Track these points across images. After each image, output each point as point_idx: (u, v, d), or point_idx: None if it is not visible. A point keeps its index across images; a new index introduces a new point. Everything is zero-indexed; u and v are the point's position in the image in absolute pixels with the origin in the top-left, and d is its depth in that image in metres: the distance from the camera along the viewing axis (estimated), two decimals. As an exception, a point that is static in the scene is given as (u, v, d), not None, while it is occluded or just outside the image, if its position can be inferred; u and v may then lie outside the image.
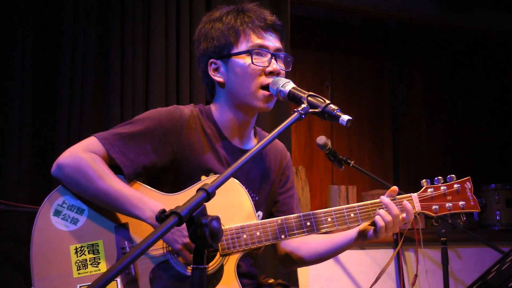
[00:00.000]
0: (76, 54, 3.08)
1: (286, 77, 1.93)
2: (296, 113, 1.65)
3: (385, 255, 3.98)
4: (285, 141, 3.60)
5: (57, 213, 1.82)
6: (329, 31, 4.76)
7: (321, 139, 3.11)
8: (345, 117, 1.63)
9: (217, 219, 1.32)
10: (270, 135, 1.57)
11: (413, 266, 4.04)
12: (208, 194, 1.32)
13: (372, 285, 2.07)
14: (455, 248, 4.24)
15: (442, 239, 3.32)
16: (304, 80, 4.56)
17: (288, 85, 1.82)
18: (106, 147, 1.84)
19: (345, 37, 4.81)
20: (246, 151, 1.98)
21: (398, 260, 3.98)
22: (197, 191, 1.32)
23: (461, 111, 5.16)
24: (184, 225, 1.69)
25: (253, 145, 2.06)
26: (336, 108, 1.66)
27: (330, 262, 3.87)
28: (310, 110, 1.67)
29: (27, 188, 2.94)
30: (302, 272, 3.69)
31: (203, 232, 1.29)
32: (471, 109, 5.20)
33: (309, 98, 1.70)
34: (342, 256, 3.90)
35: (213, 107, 2.03)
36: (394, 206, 1.85)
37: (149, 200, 1.78)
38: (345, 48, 4.81)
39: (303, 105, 1.67)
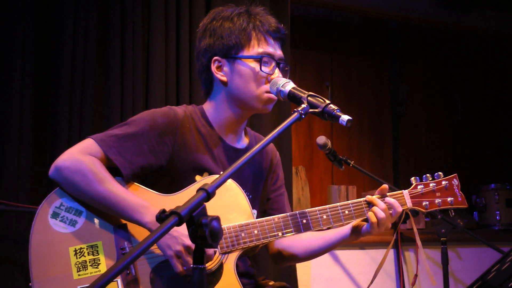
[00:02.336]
0: (76, 54, 3.08)
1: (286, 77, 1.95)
2: (296, 113, 1.65)
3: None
4: (285, 141, 3.62)
5: (55, 215, 1.82)
6: (329, 31, 4.76)
7: (321, 139, 3.11)
8: (345, 117, 1.63)
9: (217, 219, 1.32)
10: (270, 135, 1.56)
11: (413, 266, 4.04)
12: (208, 194, 1.32)
13: (370, 284, 2.10)
14: (455, 248, 4.24)
15: (442, 239, 3.32)
16: (304, 80, 4.56)
17: (288, 85, 1.82)
18: (103, 148, 1.84)
19: (345, 37, 4.81)
20: (239, 150, 2.03)
21: (398, 260, 3.98)
22: (197, 191, 1.32)
23: (461, 111, 5.16)
24: (179, 232, 1.70)
25: (245, 144, 2.08)
26: (336, 108, 1.66)
27: (330, 262, 3.88)
28: (310, 110, 1.67)
29: (27, 188, 2.94)
30: (302, 273, 3.69)
31: (203, 232, 1.29)
32: (471, 109, 5.20)
33: (309, 98, 1.70)
34: (342, 256, 3.90)
35: (207, 105, 2.04)
36: (379, 202, 1.90)
37: (149, 205, 1.78)
38: (345, 48, 4.81)
39: (303, 105, 1.67)
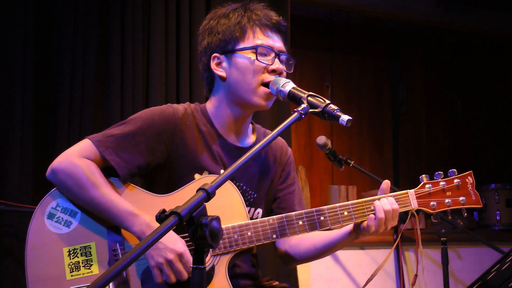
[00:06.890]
0: (77, 55, 3.08)
1: (287, 77, 1.93)
2: (296, 113, 1.64)
3: (385, 255, 3.97)
4: (285, 141, 3.61)
5: (51, 216, 1.83)
6: (329, 31, 4.76)
7: (321, 139, 3.11)
8: (345, 117, 1.62)
9: (217, 219, 1.32)
10: (270, 135, 1.56)
11: (413, 266, 4.04)
12: (208, 194, 1.32)
13: (367, 283, 2.06)
14: (455, 248, 4.24)
15: (442, 239, 3.32)
16: (304, 80, 4.56)
17: (288, 85, 1.81)
18: (100, 149, 1.83)
19: (345, 37, 4.81)
20: (242, 148, 1.99)
21: (398, 260, 3.98)
22: (197, 191, 1.32)
23: (461, 111, 5.17)
24: (164, 244, 1.72)
25: (250, 142, 2.05)
26: (336, 108, 1.65)
27: (330, 262, 3.88)
28: (310, 110, 1.66)
29: (28, 188, 2.95)
30: (303, 272, 3.69)
31: (203, 232, 1.29)
32: (471, 109, 5.20)
33: (309, 98, 1.69)
34: (342, 256, 3.90)
35: (209, 104, 2.02)
36: (380, 208, 1.85)
37: (138, 213, 1.78)
38: (345, 48, 4.81)
39: (303, 105, 1.66)
